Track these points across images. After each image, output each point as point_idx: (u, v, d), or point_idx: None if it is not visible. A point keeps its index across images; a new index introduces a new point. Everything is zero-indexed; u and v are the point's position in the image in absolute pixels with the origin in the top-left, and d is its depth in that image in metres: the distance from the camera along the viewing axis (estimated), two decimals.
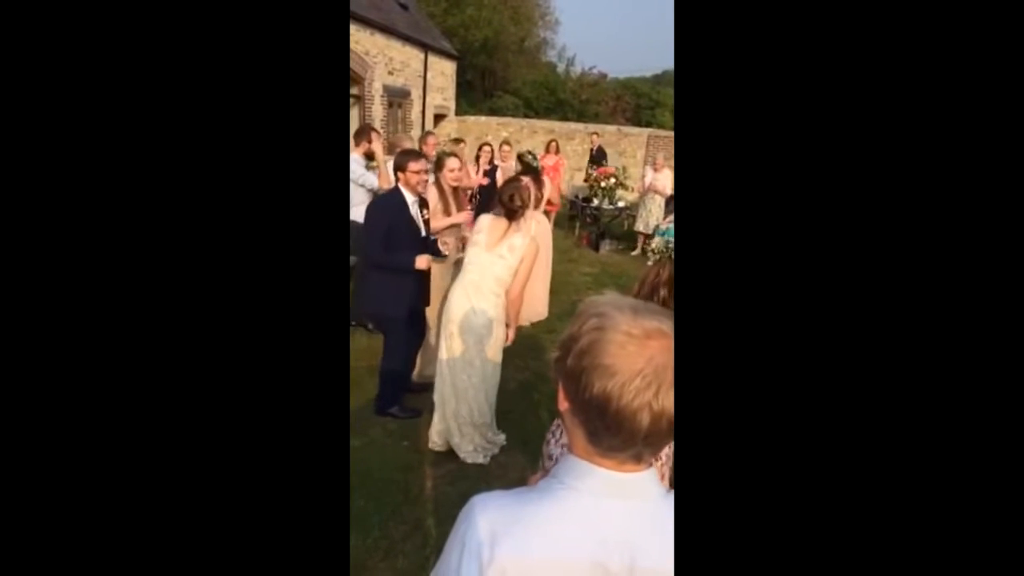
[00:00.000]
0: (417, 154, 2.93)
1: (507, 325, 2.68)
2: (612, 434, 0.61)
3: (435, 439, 2.81)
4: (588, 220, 7.83)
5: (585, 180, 8.16)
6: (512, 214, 2.54)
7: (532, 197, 2.91)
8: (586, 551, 0.61)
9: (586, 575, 0.61)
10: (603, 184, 7.51)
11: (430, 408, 2.87)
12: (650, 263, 1.54)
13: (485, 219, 2.64)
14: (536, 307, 4.53)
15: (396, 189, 2.88)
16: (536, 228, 2.82)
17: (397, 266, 2.77)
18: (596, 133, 10.68)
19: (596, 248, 7.30)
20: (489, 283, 2.56)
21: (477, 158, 5.48)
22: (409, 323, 2.99)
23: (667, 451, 1.46)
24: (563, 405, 0.65)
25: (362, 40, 8.49)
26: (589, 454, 0.64)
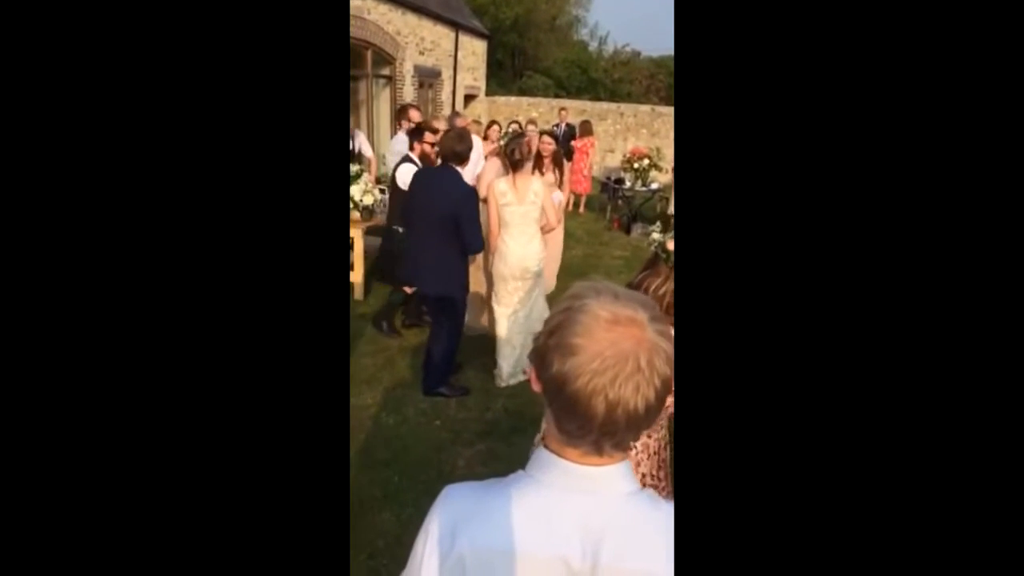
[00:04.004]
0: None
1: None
2: (569, 419, 0.59)
3: (505, 376, 3.27)
4: (620, 202, 7.71)
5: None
6: (518, 164, 3.05)
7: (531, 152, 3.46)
8: (547, 545, 0.60)
9: (547, 569, 0.60)
10: (636, 165, 7.37)
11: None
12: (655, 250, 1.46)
13: (501, 183, 3.10)
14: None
15: (459, 174, 2.86)
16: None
17: (480, 248, 2.99)
18: (564, 109, 9.56)
19: (628, 231, 7.19)
20: (531, 228, 3.15)
21: (485, 137, 5.47)
22: (464, 305, 3.10)
23: (665, 454, 1.43)
24: (535, 386, 0.64)
25: (394, 20, 8.46)
26: (557, 442, 0.63)
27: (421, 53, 9.49)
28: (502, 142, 4.75)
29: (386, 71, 8.72)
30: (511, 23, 18.28)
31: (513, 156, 3.07)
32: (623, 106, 12.85)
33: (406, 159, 3.74)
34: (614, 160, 10.23)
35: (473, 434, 2.84)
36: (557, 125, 8.34)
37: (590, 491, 0.61)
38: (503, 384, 3.27)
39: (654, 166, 7.41)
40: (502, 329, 3.25)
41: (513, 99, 13.39)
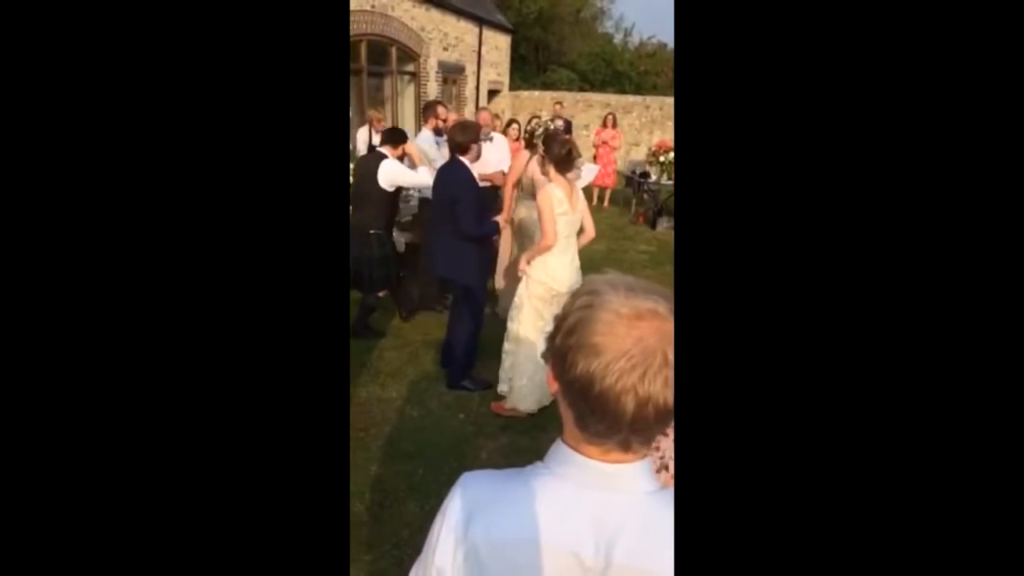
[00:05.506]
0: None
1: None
2: (596, 419, 0.58)
3: (531, 405, 2.92)
4: (645, 196, 7.61)
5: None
6: (569, 166, 2.68)
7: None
8: (560, 539, 0.59)
9: (559, 562, 0.59)
10: (662, 159, 7.27)
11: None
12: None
13: (558, 190, 2.67)
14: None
15: (463, 163, 2.93)
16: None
17: (490, 233, 3.02)
18: (559, 102, 9.08)
19: (653, 226, 7.11)
20: (574, 241, 2.81)
21: (503, 134, 5.45)
22: (482, 292, 3.12)
23: (668, 451, 1.40)
24: (552, 386, 0.63)
25: (418, 16, 8.50)
26: (576, 439, 0.62)
27: (445, 49, 9.52)
28: (538, 141, 4.63)
29: (410, 67, 8.77)
30: (535, 17, 18.17)
31: (570, 155, 2.68)
32: (649, 99, 12.69)
33: (384, 156, 3.41)
34: (639, 154, 10.11)
35: (496, 427, 2.86)
36: (552, 120, 8.19)
37: (608, 488, 0.60)
38: (508, 404, 2.94)
39: None
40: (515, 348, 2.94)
41: (536, 93, 13.34)
